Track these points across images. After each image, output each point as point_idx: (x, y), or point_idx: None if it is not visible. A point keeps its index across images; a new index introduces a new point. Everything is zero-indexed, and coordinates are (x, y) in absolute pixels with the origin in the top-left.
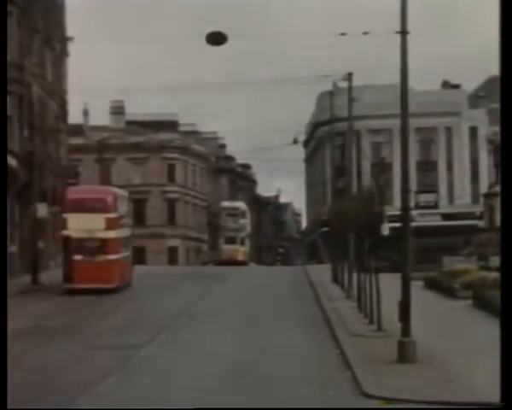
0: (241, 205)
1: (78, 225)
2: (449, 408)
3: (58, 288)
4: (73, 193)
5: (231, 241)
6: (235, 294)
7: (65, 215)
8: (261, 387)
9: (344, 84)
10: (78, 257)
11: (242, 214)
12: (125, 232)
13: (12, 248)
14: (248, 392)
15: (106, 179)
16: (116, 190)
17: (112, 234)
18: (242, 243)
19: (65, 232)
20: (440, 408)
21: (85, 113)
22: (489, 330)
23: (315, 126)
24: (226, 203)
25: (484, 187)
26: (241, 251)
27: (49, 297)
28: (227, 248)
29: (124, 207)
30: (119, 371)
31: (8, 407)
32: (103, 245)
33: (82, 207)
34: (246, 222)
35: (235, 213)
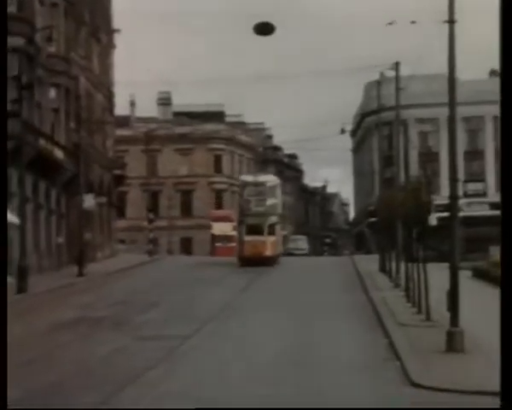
0: (268, 179)
1: (218, 228)
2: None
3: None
4: (215, 213)
5: (256, 230)
6: (284, 283)
7: (212, 223)
8: (310, 375)
9: (391, 74)
10: (218, 244)
11: (271, 192)
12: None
13: (59, 240)
14: (297, 378)
15: (152, 170)
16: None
17: (233, 233)
18: (271, 232)
19: (211, 231)
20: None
21: (132, 104)
22: None
23: (362, 116)
24: (248, 177)
25: None
26: (269, 243)
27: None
28: (250, 241)
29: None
30: None
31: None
32: (229, 238)
33: (220, 219)
34: (276, 202)
35: (260, 191)
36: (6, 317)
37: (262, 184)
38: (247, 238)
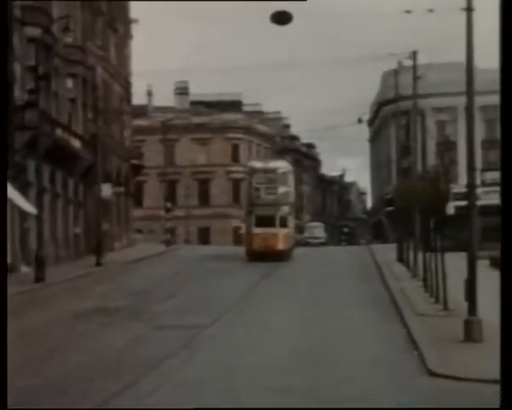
0: (280, 165)
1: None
2: None
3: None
4: None
5: (266, 222)
6: (302, 271)
7: (241, 224)
8: (327, 366)
9: (409, 63)
10: None
11: (283, 179)
12: None
13: (77, 230)
14: (313, 372)
15: (170, 160)
16: None
17: None
18: (284, 223)
19: (240, 231)
20: None
21: (149, 94)
22: None
23: (379, 105)
24: (258, 163)
25: None
26: (281, 236)
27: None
28: (259, 234)
29: None
30: None
31: None
32: None
33: None
34: (288, 190)
35: (271, 179)
36: (6, 316)
37: (272, 170)
38: (257, 231)
